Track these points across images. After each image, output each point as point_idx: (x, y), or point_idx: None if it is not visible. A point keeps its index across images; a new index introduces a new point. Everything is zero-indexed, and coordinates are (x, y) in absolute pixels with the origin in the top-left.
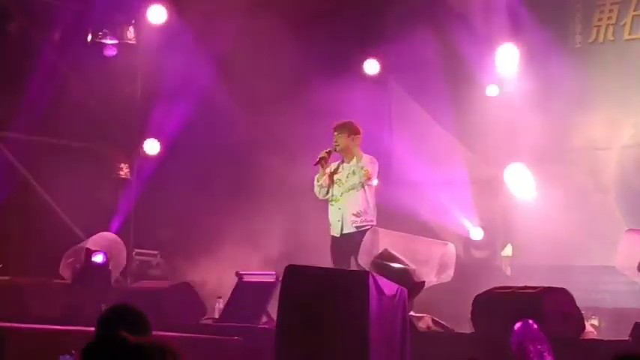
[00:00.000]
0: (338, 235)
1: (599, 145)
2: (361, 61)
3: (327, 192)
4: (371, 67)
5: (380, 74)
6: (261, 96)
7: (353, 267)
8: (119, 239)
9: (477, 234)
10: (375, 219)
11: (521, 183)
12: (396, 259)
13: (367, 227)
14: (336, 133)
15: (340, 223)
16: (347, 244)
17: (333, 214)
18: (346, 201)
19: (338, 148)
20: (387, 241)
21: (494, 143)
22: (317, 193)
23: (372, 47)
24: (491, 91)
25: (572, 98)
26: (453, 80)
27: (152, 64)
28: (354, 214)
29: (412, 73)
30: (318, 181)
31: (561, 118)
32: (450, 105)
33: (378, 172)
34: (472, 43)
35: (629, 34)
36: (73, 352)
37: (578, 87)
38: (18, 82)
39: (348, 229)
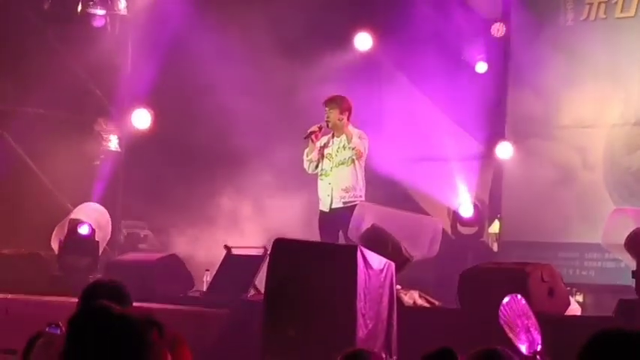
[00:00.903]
0: (327, 210)
1: (589, 123)
2: (352, 34)
3: (317, 166)
4: (362, 40)
5: (371, 48)
6: (253, 68)
7: (341, 241)
8: (104, 210)
9: (466, 211)
10: (363, 194)
11: (509, 159)
12: (384, 234)
13: (355, 203)
14: (327, 108)
15: (330, 197)
16: (335, 219)
17: (323, 188)
18: (336, 176)
19: (329, 124)
20: (375, 215)
21: (484, 120)
22: (306, 168)
23: (363, 20)
24: (481, 67)
25: (562, 76)
26: (444, 56)
27: (143, 35)
28: (342, 190)
29: (402, 48)
30: (307, 156)
31: (551, 95)
32: (440, 81)
33: (368, 146)
34: (463, 19)
35: (621, 11)
36: (59, 323)
37: (569, 64)
38: (5, 53)
39: (337, 204)
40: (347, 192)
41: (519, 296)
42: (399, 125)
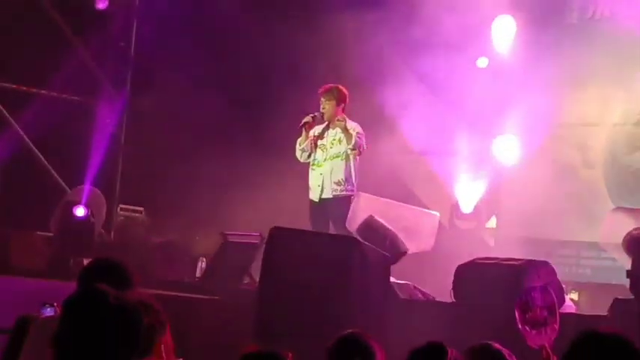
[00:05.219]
0: (316, 200)
1: (590, 121)
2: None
3: (309, 156)
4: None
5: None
6: (253, 60)
7: (332, 232)
8: (99, 192)
9: (466, 206)
10: (355, 188)
11: (509, 155)
12: (380, 226)
13: (346, 196)
14: (323, 99)
15: (320, 187)
16: (325, 209)
17: (314, 178)
18: (329, 168)
19: (325, 115)
20: (372, 207)
21: (485, 115)
22: (298, 157)
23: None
24: (482, 62)
25: (564, 73)
26: (447, 50)
27: (148, 19)
28: (335, 182)
29: (405, 40)
30: (300, 145)
31: (553, 92)
32: (443, 75)
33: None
34: (468, 13)
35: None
36: (54, 304)
37: (572, 62)
38: (10, 33)
39: (327, 194)
40: (339, 185)
41: (551, 290)
42: (400, 118)
